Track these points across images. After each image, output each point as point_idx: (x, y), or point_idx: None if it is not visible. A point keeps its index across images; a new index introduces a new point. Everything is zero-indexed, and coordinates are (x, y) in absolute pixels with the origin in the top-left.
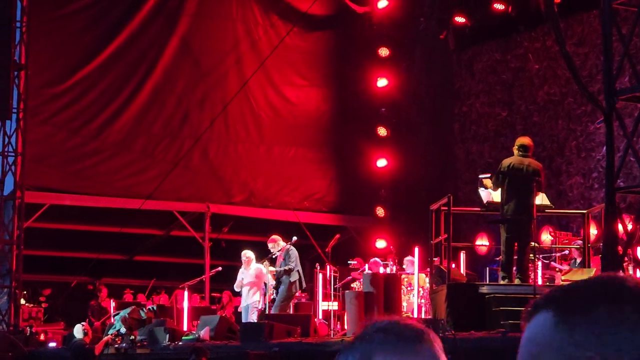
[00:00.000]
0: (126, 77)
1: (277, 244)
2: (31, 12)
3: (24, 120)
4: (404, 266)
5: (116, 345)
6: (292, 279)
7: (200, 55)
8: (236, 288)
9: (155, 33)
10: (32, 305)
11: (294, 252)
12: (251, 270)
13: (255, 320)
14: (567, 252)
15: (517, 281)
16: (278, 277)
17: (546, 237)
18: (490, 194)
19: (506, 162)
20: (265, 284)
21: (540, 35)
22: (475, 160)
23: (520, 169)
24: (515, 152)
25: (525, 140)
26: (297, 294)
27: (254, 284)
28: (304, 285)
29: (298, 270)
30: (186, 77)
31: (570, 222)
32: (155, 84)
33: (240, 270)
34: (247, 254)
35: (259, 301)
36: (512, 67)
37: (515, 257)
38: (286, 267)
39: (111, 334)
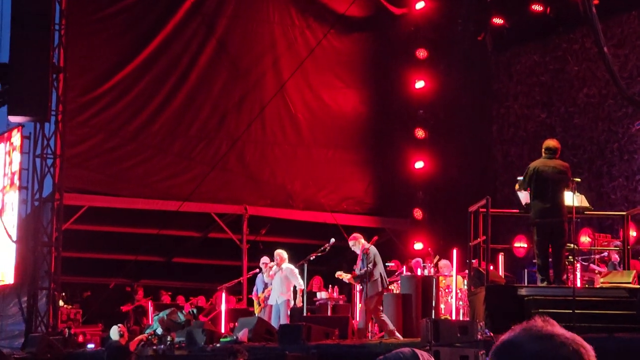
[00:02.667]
0: (163, 79)
1: (357, 242)
2: (70, 15)
3: (63, 122)
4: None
5: (154, 347)
6: (374, 279)
7: (237, 57)
8: (266, 279)
9: (192, 35)
10: (70, 306)
11: (372, 252)
12: (282, 270)
13: (286, 320)
14: (606, 254)
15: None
16: (361, 278)
17: (585, 239)
18: (528, 196)
19: (532, 165)
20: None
21: (579, 36)
22: (514, 162)
23: (545, 171)
24: (543, 154)
25: (551, 142)
26: (383, 291)
27: (283, 284)
28: (385, 283)
29: (380, 272)
30: (223, 79)
31: (615, 224)
32: (192, 86)
33: (274, 268)
34: (282, 254)
35: (289, 300)
36: (550, 68)
37: (551, 259)
38: (366, 269)
39: (147, 333)
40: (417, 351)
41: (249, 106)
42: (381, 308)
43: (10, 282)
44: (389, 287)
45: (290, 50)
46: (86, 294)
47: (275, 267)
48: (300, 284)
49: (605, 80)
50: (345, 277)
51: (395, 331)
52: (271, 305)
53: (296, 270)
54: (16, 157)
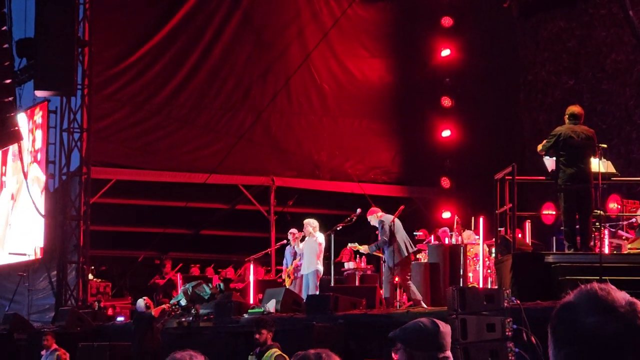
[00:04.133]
0: (188, 51)
1: (373, 216)
2: None
3: (89, 96)
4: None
5: (182, 319)
6: (391, 249)
7: (261, 28)
8: (296, 248)
9: (217, 6)
10: (99, 280)
11: (386, 222)
12: (313, 240)
13: (317, 289)
14: (634, 220)
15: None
16: (376, 249)
17: (613, 206)
18: (554, 163)
19: (557, 130)
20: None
21: (606, 1)
22: (542, 129)
23: (571, 137)
24: (566, 121)
25: (575, 108)
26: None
27: (314, 253)
28: (404, 252)
29: (399, 242)
30: (248, 51)
31: None
32: (217, 58)
33: (306, 239)
34: (312, 223)
35: (318, 270)
36: (577, 34)
37: (578, 226)
38: (378, 242)
39: (171, 304)
40: (437, 320)
41: (274, 77)
42: (408, 277)
43: (37, 257)
44: (415, 256)
45: (315, 20)
46: (102, 268)
47: (308, 237)
48: (321, 241)
49: (632, 45)
50: (361, 248)
51: (422, 301)
52: (302, 277)
53: (321, 236)
54: (38, 134)
